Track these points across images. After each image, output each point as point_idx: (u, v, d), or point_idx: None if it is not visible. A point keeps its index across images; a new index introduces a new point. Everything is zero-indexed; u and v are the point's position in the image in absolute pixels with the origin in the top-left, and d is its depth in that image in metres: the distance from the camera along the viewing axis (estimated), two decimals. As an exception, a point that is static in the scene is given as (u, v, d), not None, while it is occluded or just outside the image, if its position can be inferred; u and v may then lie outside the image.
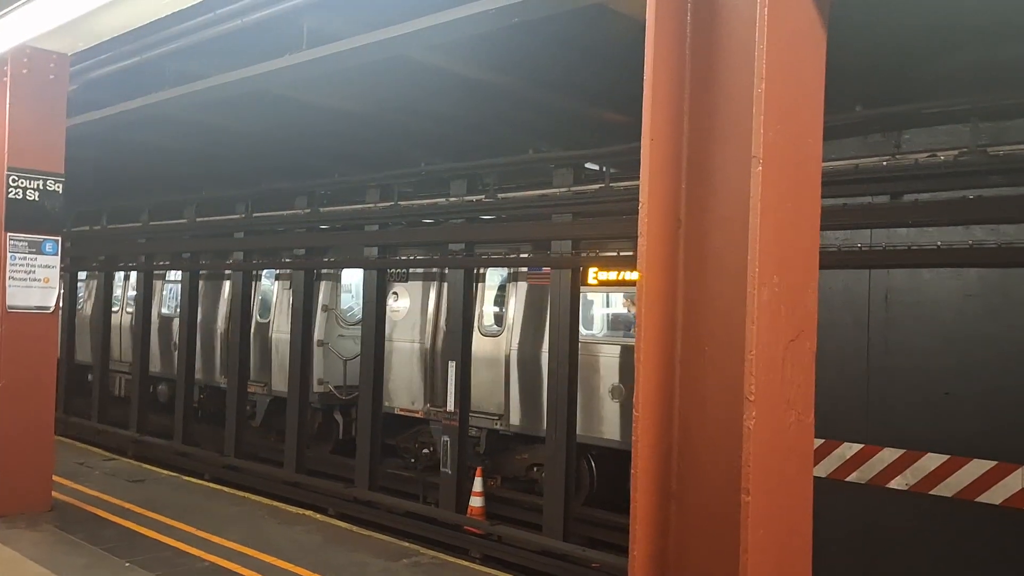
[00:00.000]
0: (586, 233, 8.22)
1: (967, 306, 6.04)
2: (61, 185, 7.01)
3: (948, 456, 6.01)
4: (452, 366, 9.10)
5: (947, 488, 6.01)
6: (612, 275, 9.09)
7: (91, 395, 14.73)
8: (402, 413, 10.60)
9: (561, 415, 8.15)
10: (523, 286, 10.02)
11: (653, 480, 2.12)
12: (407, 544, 7.42)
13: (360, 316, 13.28)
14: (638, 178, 2.53)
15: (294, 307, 11.28)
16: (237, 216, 12.04)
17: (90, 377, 15.02)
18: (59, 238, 7.06)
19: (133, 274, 15.35)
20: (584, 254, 8.29)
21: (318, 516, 8.51)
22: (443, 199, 9.32)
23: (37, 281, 6.90)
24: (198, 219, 12.74)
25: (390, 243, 10.20)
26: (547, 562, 7.99)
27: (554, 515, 8.09)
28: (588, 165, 8.48)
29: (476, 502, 9.14)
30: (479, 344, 10.21)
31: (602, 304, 10.31)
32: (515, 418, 9.65)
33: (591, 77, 6.11)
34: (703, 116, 2.43)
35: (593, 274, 9.22)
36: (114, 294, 15.29)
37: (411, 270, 11.24)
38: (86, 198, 13.44)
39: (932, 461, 6.08)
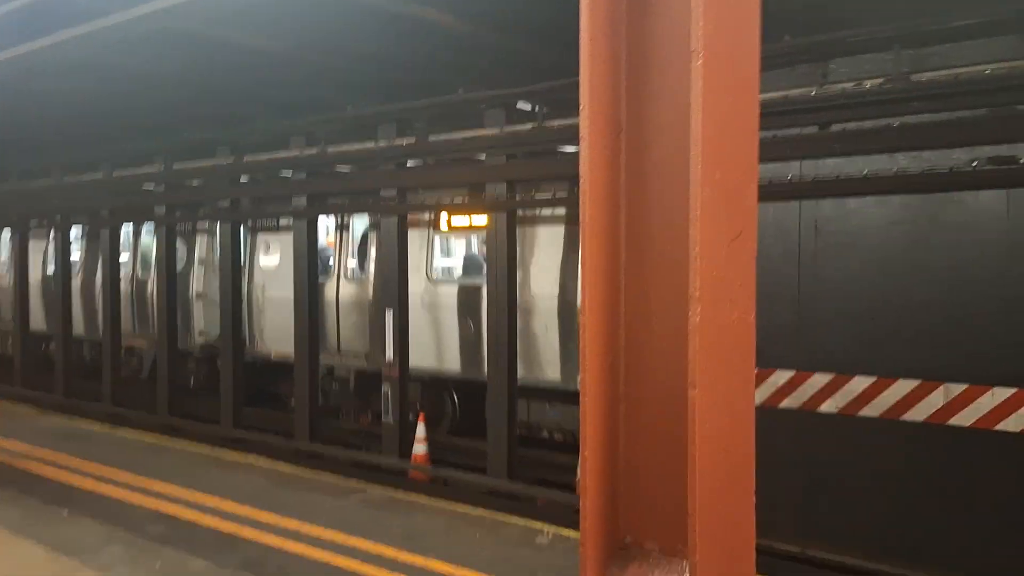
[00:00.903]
0: (521, 174, 8.15)
1: (891, 233, 6.21)
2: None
3: (875, 378, 6.22)
4: (389, 313, 8.94)
5: (873, 408, 6.24)
6: (464, 220, 9.48)
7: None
8: (278, 359, 10.92)
9: (502, 360, 8.16)
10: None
11: (601, 384, 2.08)
12: (355, 483, 7.36)
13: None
14: (572, 116, 2.46)
15: (221, 264, 11.02)
16: (153, 169, 11.57)
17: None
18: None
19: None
20: (519, 196, 8.23)
21: (261, 461, 8.35)
22: (372, 143, 9.09)
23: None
24: (114, 174, 12.21)
25: (319, 191, 9.93)
26: (495, 502, 8.04)
27: (498, 456, 8.15)
28: (520, 106, 8.36)
29: (419, 449, 9.11)
30: (345, 289, 10.92)
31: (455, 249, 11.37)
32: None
33: (521, 9, 5.98)
34: (641, 17, 2.38)
35: (446, 220, 9.71)
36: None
37: (281, 221, 11.56)
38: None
39: (860, 384, 6.29)
